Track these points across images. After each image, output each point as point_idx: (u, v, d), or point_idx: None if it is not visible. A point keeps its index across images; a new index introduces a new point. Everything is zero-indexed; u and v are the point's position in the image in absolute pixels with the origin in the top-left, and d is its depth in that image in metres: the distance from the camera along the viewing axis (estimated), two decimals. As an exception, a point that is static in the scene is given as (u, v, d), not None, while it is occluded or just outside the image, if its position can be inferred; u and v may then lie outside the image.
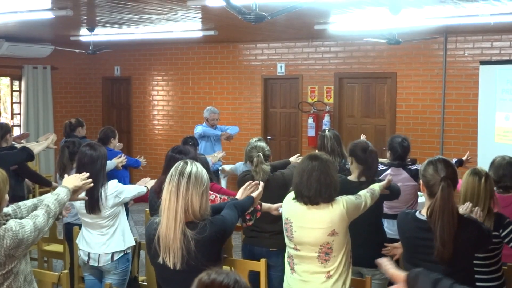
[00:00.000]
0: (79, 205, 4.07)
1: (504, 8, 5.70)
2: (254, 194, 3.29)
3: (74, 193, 3.20)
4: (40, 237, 2.86)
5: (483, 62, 7.92)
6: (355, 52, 9.00)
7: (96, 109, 11.64)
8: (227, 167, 7.63)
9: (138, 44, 10.32)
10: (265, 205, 3.60)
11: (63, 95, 11.02)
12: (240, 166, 5.26)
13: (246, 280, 3.83)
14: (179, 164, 2.82)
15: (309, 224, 3.23)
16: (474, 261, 3.08)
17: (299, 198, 3.28)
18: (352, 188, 3.74)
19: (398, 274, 2.29)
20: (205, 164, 3.69)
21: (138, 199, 4.51)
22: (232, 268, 4.05)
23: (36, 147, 5.83)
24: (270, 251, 4.20)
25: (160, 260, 2.76)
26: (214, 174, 6.32)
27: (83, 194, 3.54)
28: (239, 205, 3.13)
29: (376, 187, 3.67)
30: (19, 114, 10.39)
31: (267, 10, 3.79)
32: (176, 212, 2.70)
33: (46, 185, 6.34)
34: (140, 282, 4.51)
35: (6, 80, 10.62)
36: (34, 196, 7.56)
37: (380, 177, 4.38)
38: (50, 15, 6.00)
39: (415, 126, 8.61)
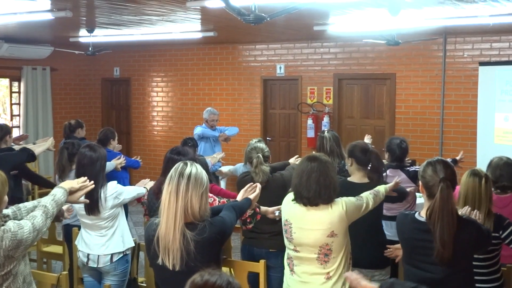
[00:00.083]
0: (78, 206, 4.07)
1: (503, 9, 5.71)
2: (251, 196, 3.29)
3: (72, 194, 3.20)
4: (39, 237, 2.87)
5: (482, 63, 7.92)
6: (355, 53, 9.00)
7: (95, 110, 11.64)
8: (225, 168, 7.61)
9: (138, 45, 10.32)
10: (262, 208, 3.60)
11: (63, 96, 11.02)
12: (240, 167, 5.26)
13: (246, 281, 3.85)
14: (178, 165, 2.82)
15: (309, 226, 3.23)
16: (473, 262, 3.08)
17: (298, 199, 3.28)
18: (353, 189, 3.71)
19: (370, 286, 2.29)
20: (204, 166, 3.68)
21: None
22: (232, 269, 4.04)
23: (36, 149, 5.82)
24: (270, 252, 4.20)
25: (160, 261, 2.76)
26: (214, 175, 6.30)
27: (83, 197, 3.53)
28: (237, 207, 3.14)
29: (381, 188, 3.65)
30: (18, 115, 10.39)
31: (266, 11, 3.80)
32: (175, 213, 2.70)
33: (47, 187, 6.30)
34: (139, 284, 4.51)
35: (6, 81, 10.63)
36: (33, 198, 7.58)
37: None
38: (49, 16, 6.00)
39: (414, 127, 8.61)
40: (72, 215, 4.85)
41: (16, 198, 4.88)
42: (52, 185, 6.07)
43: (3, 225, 2.73)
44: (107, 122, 11.31)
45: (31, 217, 2.84)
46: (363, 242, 3.78)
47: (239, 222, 3.41)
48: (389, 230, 4.43)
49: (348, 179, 4.07)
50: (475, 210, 3.28)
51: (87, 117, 11.18)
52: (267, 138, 9.70)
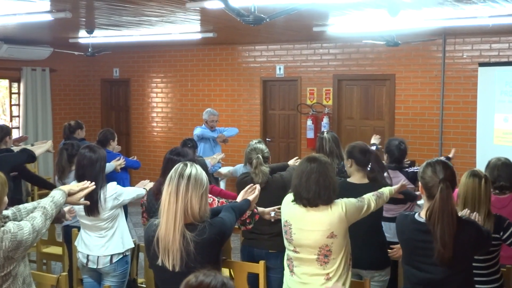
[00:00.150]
0: (78, 207, 4.06)
1: (502, 10, 5.71)
2: (250, 197, 3.29)
3: (71, 195, 3.20)
4: (38, 238, 2.87)
5: (482, 64, 7.92)
6: (354, 54, 9.01)
7: (95, 111, 11.64)
8: (224, 169, 7.59)
9: (137, 46, 10.32)
10: (259, 209, 3.60)
11: (62, 97, 11.02)
12: (239, 168, 5.26)
13: (245, 282, 3.85)
14: (178, 166, 2.82)
15: (308, 226, 3.23)
16: (473, 263, 3.08)
17: (298, 200, 3.28)
18: (352, 190, 3.71)
19: None
20: (203, 167, 3.68)
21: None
22: (231, 270, 4.04)
23: (36, 150, 5.81)
24: (269, 253, 4.19)
25: (159, 262, 2.76)
26: (213, 176, 6.30)
27: (83, 199, 3.53)
28: (237, 208, 3.14)
29: (385, 190, 3.63)
30: (18, 116, 10.38)
31: (265, 12, 3.80)
32: (175, 213, 2.70)
33: (47, 188, 6.28)
34: (139, 284, 4.51)
35: (5, 82, 10.63)
36: (33, 199, 7.58)
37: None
38: (49, 17, 6.00)
39: (413, 128, 8.62)
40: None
41: (15, 199, 4.87)
42: (51, 186, 6.06)
43: (3, 226, 2.73)
44: (106, 123, 11.30)
45: (30, 218, 2.84)
46: (363, 243, 3.77)
47: (237, 223, 3.40)
48: (388, 231, 4.42)
49: (348, 180, 4.06)
50: (475, 212, 3.28)
51: (87, 118, 11.18)
52: (267, 139, 9.70)
